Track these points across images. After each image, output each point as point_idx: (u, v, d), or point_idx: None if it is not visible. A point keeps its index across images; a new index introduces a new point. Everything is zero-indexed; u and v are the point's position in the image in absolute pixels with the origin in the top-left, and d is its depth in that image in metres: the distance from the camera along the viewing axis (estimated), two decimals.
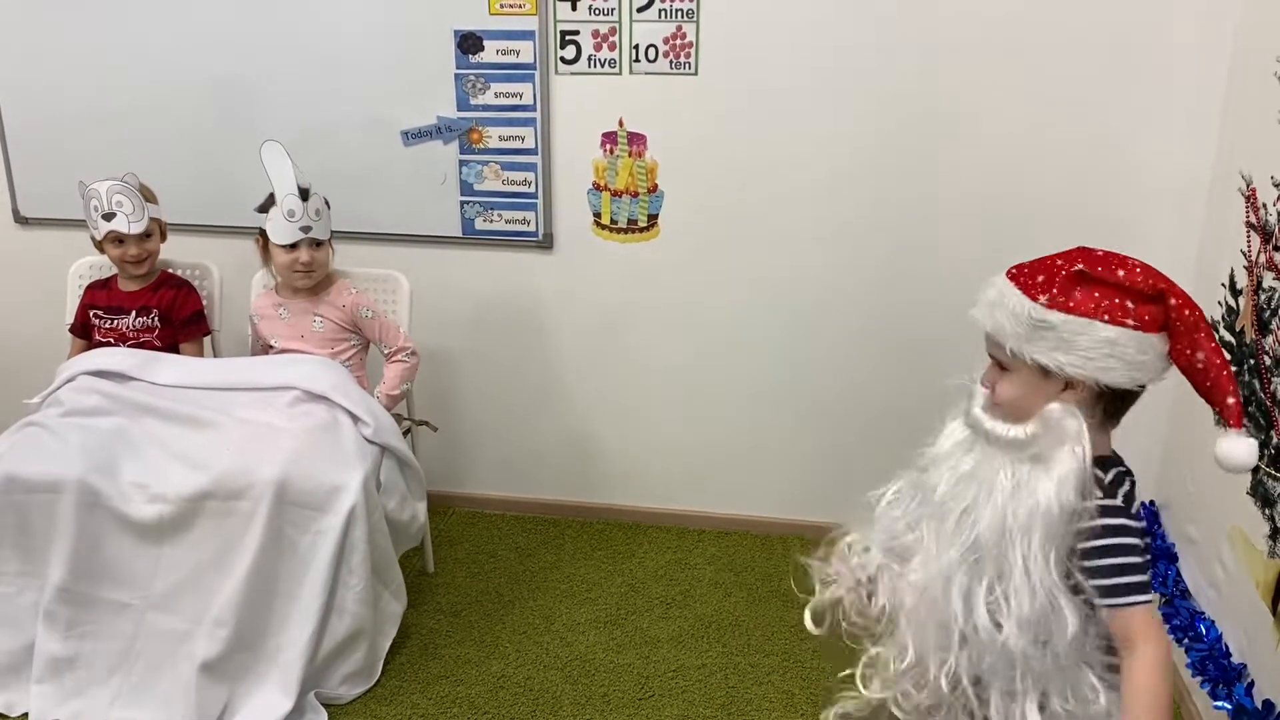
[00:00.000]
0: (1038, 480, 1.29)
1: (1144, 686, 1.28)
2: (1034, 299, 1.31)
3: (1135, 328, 1.27)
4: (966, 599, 1.36)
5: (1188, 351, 1.28)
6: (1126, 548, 1.29)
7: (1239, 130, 2.34)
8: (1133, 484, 1.36)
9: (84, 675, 2.33)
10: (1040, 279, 1.32)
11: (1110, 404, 1.34)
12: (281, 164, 2.47)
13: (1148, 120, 2.59)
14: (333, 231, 2.62)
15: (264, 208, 2.55)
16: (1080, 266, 1.30)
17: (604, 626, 2.70)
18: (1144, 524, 1.33)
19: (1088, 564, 1.29)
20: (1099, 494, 1.31)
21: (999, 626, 1.32)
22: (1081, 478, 1.29)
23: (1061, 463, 1.29)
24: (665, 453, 3.15)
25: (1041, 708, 1.35)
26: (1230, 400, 1.29)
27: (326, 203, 2.58)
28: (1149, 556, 1.31)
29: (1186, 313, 1.27)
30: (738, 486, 3.16)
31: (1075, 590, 1.31)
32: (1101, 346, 1.28)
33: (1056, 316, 1.29)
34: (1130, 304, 1.28)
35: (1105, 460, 1.35)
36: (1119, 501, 1.31)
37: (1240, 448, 1.29)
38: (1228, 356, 1.35)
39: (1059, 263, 1.32)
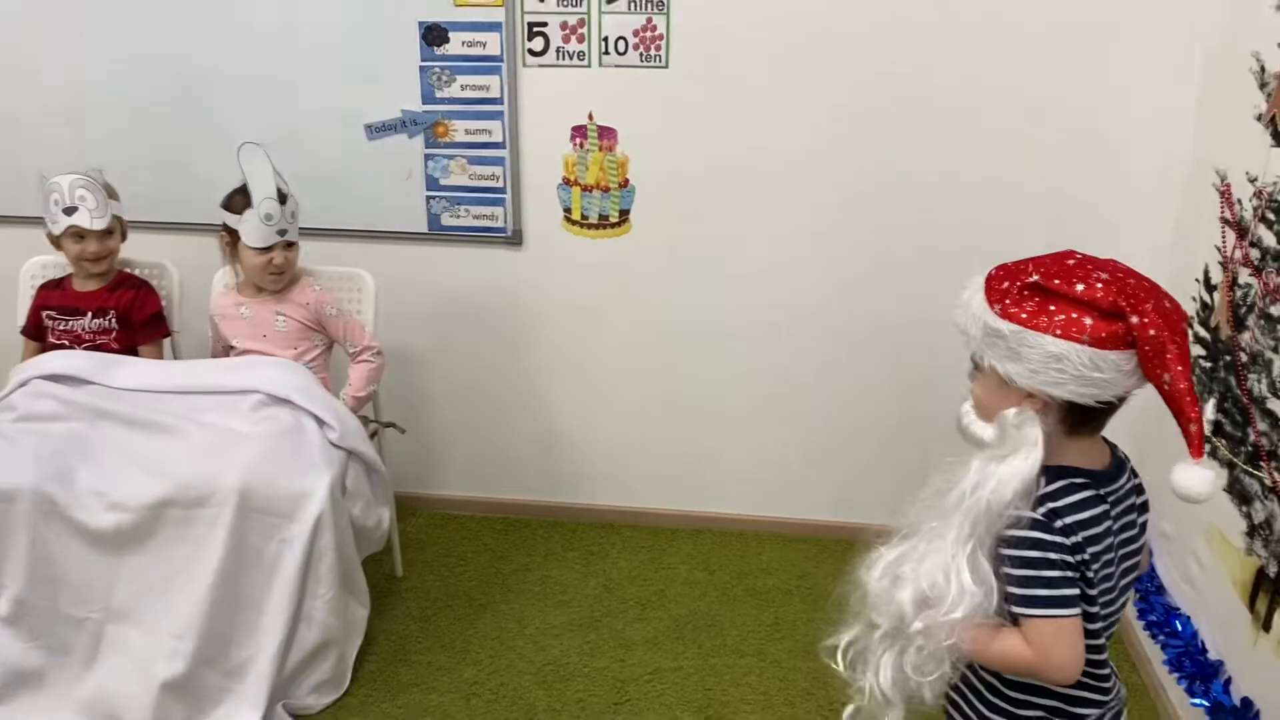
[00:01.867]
0: (991, 478, 1.27)
1: (1003, 644, 1.30)
2: (991, 305, 1.29)
3: (1090, 344, 1.22)
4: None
5: (1156, 371, 1.22)
6: (1028, 560, 1.27)
7: (1214, 127, 2.34)
8: (1094, 497, 1.31)
9: (44, 689, 2.26)
10: (1004, 285, 1.29)
11: (1072, 416, 1.29)
12: (261, 167, 2.41)
13: (1123, 117, 2.58)
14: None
15: (232, 206, 2.47)
16: (1035, 278, 1.26)
17: (578, 630, 2.66)
18: (1070, 539, 1.27)
19: (1003, 569, 1.29)
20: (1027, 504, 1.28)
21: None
22: (1025, 483, 1.26)
23: (1009, 465, 1.26)
24: (637, 451, 3.12)
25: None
26: (1192, 428, 1.22)
27: (297, 203, 2.52)
28: (1068, 572, 1.27)
29: (1151, 333, 1.20)
30: (711, 484, 3.13)
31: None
32: (1049, 361, 1.23)
33: (1006, 326, 1.26)
34: (1088, 320, 1.22)
35: (1061, 469, 1.31)
36: (1040, 515, 1.27)
37: (1196, 478, 1.24)
38: (1194, 380, 1.28)
39: (1028, 268, 1.28)
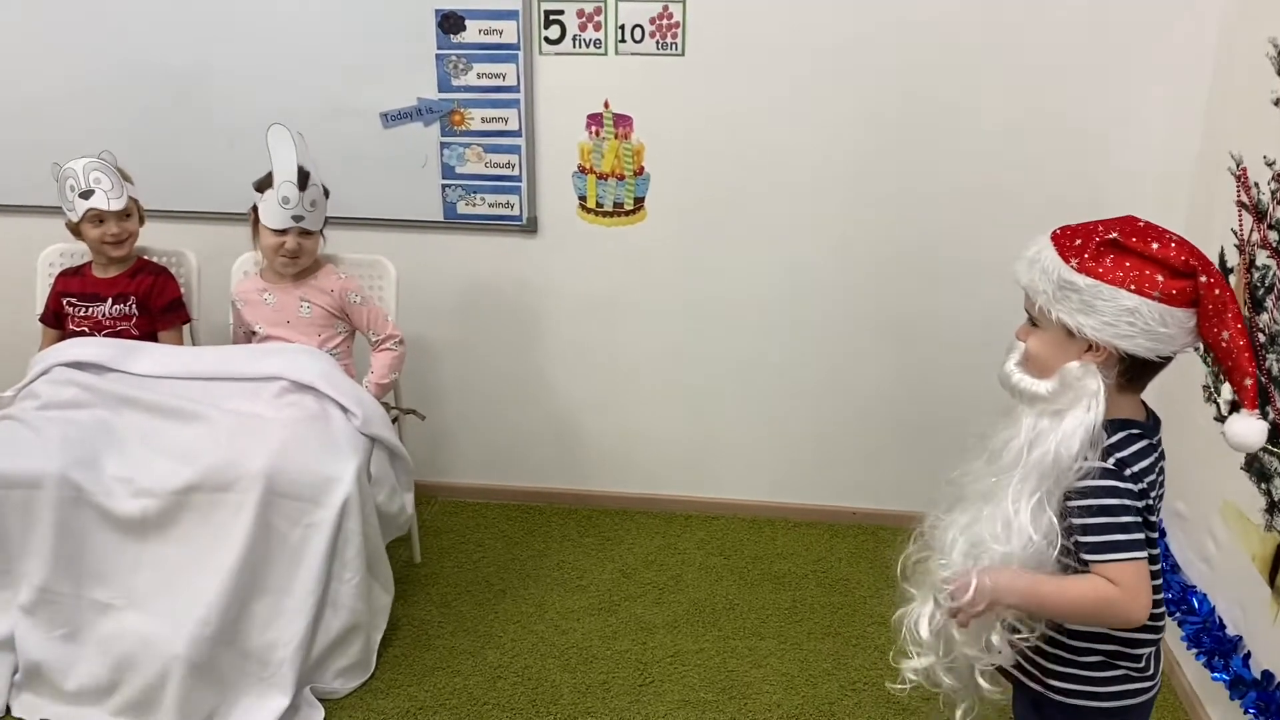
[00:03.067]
0: (1051, 433, 1.33)
1: (1078, 582, 1.34)
2: (1066, 260, 1.34)
3: (1161, 300, 1.29)
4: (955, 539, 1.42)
5: (1215, 329, 1.30)
6: (1104, 508, 1.33)
7: (1229, 112, 2.37)
8: (1149, 446, 1.37)
9: (67, 678, 2.25)
10: (1077, 242, 1.34)
11: (1131, 370, 1.36)
12: (285, 148, 2.41)
13: (1131, 104, 2.61)
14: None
15: (260, 185, 2.47)
16: (1114, 235, 1.32)
17: (598, 614, 2.68)
18: (1137, 486, 1.34)
19: (1072, 519, 1.34)
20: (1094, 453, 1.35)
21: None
22: (1089, 434, 1.32)
23: (1073, 418, 1.33)
24: (651, 438, 3.14)
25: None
26: (1247, 381, 1.31)
27: (326, 193, 2.53)
28: (1137, 518, 1.33)
29: (1217, 292, 1.28)
30: (725, 471, 3.15)
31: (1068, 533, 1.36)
32: (1123, 314, 1.30)
33: (1083, 280, 1.32)
34: (1160, 277, 1.29)
35: (1120, 422, 1.37)
36: (1109, 464, 1.34)
37: (1250, 428, 1.33)
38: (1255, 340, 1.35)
39: (1100, 229, 1.34)
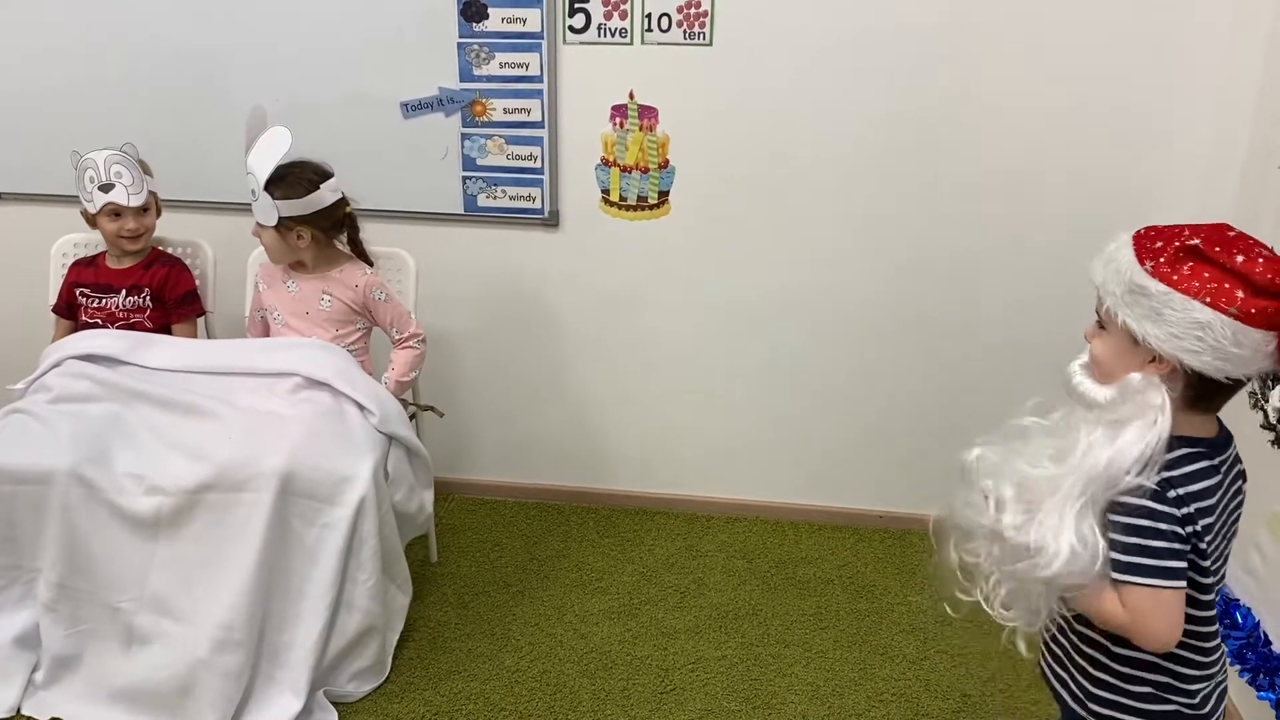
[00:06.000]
0: (1107, 442, 1.26)
1: (1100, 601, 1.29)
2: (1141, 262, 1.25)
3: (1237, 318, 1.20)
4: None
5: None
6: (1137, 528, 1.26)
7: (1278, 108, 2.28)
8: (1210, 468, 1.29)
9: (86, 676, 2.22)
10: (1158, 244, 1.26)
11: (1199, 389, 1.27)
12: (261, 145, 2.34)
13: (1176, 98, 2.52)
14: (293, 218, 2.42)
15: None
16: (1196, 241, 1.22)
17: (618, 617, 2.62)
18: (1181, 511, 1.26)
19: (1110, 533, 1.28)
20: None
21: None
22: (1149, 450, 1.25)
23: (1134, 430, 1.25)
24: (673, 438, 3.07)
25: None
26: None
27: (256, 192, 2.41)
28: (1175, 544, 1.25)
29: None
30: (748, 472, 3.08)
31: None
32: (1192, 328, 1.21)
33: (1155, 285, 1.23)
34: (1240, 293, 1.20)
35: (1182, 439, 1.29)
36: (1154, 485, 1.26)
37: None
38: None
39: (1185, 233, 1.25)
